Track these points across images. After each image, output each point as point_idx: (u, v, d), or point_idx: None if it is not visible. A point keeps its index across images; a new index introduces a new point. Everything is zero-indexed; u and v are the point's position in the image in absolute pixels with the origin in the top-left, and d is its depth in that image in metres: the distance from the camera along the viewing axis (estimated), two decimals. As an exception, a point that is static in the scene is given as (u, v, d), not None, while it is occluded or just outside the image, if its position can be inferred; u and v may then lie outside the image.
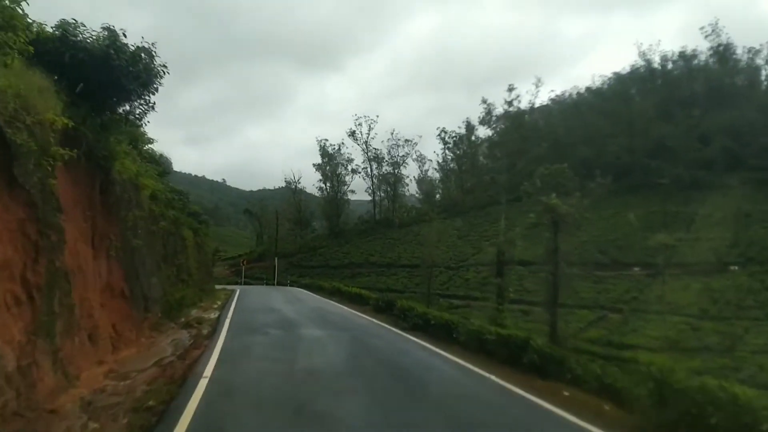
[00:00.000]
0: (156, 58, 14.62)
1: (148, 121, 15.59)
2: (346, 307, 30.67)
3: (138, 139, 20.22)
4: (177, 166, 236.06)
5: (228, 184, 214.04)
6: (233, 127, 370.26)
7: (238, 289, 41.39)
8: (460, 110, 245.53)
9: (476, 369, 12.86)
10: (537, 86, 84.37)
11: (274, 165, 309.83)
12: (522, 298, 53.73)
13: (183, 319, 19.89)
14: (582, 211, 27.95)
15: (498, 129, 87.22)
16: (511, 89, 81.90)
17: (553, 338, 25.31)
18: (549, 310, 26.82)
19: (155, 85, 14.96)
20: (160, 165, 24.73)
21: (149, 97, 15.08)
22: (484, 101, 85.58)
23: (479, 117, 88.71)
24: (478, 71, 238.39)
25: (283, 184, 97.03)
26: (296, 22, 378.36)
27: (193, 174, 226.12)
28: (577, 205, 26.68)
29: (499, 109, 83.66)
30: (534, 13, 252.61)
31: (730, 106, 73.22)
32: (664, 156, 70.96)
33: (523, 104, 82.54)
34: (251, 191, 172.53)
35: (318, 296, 39.12)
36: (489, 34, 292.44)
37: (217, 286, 45.68)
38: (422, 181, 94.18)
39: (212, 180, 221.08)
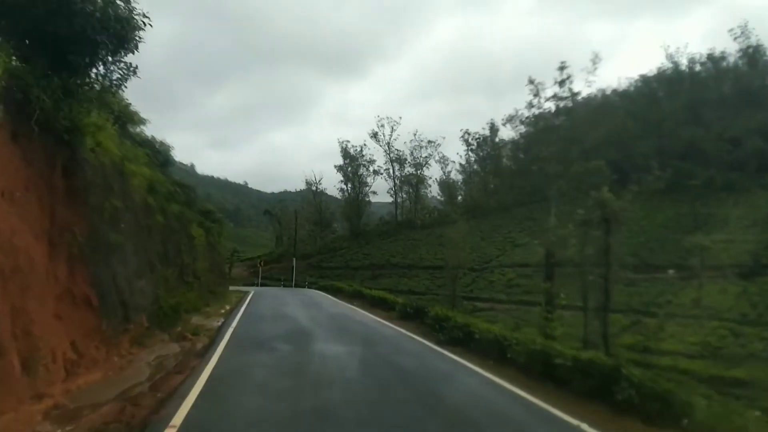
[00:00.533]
0: (135, 5, 11.14)
1: (125, 87, 12.01)
2: (368, 314, 26.66)
3: (126, 118, 16.70)
4: (200, 169, 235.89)
5: (250, 186, 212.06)
6: (256, 130, 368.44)
7: (252, 291, 37.94)
8: (482, 114, 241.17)
9: (555, 411, 8.96)
10: (594, 63, 79.18)
11: (296, 168, 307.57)
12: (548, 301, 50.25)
13: (179, 329, 16.19)
14: (628, 209, 24.62)
15: (531, 123, 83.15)
16: (562, 68, 78.04)
17: (606, 347, 21.75)
18: (599, 315, 23.32)
19: (135, 41, 11.42)
20: (159, 152, 21.21)
21: (127, 56, 11.57)
22: (531, 81, 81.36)
23: (512, 112, 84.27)
24: (501, 76, 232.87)
25: (305, 187, 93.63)
26: (320, 27, 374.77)
27: (215, 176, 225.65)
28: (631, 201, 23.20)
29: (549, 91, 79.49)
30: (557, 17, 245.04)
31: (761, 107, 69.03)
32: (695, 158, 66.92)
33: (577, 86, 77.88)
34: (273, 193, 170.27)
35: (337, 300, 35.19)
36: (512, 38, 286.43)
37: (233, 288, 42.30)
38: (444, 182, 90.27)
39: (234, 182, 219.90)
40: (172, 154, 22.12)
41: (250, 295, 32.34)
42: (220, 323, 19.11)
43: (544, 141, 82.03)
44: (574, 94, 79.29)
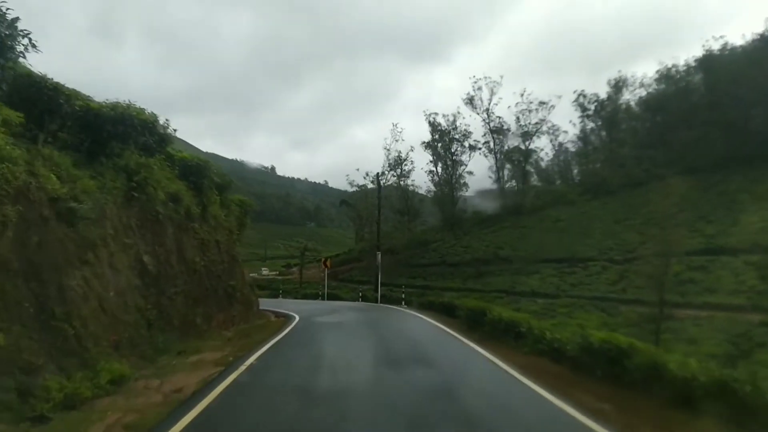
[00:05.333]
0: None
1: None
2: None
3: None
4: (280, 170, 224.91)
5: (330, 186, 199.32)
6: (336, 128, 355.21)
7: (293, 323, 18.61)
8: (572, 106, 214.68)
9: None
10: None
11: (377, 166, 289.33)
12: (752, 302, 31.93)
13: None
14: None
15: (663, 80, 63.92)
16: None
17: None
18: None
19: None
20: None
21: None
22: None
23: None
24: (602, 49, 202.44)
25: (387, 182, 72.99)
26: (401, 13, 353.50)
27: (295, 177, 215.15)
28: None
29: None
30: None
31: None
32: None
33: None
34: (354, 191, 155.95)
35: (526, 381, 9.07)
36: (612, 5, 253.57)
37: (277, 307, 26.47)
38: (556, 155, 71.30)
39: (314, 182, 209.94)
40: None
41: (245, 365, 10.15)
42: None
43: (681, 102, 63.00)
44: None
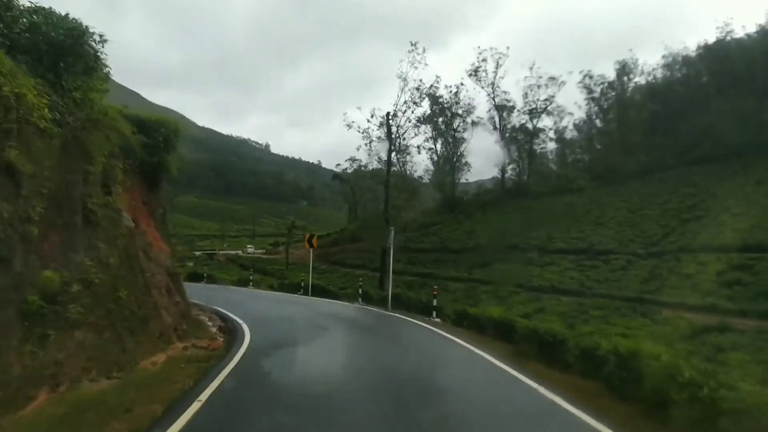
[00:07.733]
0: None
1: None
2: None
3: None
4: (275, 149, 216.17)
5: (324, 166, 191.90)
6: (333, 109, 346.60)
7: (216, 380, 7.40)
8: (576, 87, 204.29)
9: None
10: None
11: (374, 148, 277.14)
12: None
13: None
14: None
15: (668, 67, 56.97)
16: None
17: None
18: None
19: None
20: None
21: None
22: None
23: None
24: (596, 41, 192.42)
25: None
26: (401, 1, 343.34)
27: (290, 156, 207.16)
28: None
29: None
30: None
31: None
32: None
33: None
34: (348, 172, 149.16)
35: None
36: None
37: (231, 308, 16.91)
38: (560, 139, 63.50)
39: (308, 161, 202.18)
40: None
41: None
42: None
43: (691, 89, 56.33)
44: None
